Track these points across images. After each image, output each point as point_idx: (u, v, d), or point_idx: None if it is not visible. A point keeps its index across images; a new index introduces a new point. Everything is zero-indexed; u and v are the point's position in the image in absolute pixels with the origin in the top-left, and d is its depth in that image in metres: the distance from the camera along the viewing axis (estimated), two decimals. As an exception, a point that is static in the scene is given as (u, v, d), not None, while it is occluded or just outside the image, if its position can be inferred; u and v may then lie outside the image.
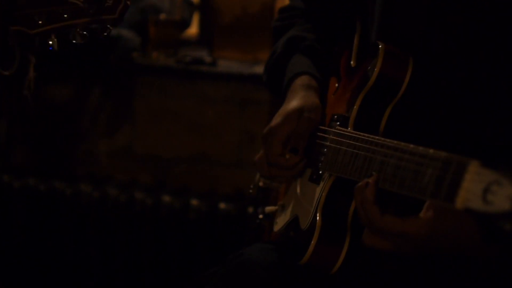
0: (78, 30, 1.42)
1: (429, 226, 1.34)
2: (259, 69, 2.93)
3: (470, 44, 1.50)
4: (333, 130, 1.62)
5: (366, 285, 1.57)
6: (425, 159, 1.26)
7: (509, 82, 1.48)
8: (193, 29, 3.53)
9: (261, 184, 1.88)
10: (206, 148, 3.22)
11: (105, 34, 1.44)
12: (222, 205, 3.06)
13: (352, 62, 1.70)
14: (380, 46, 1.56)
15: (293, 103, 1.71)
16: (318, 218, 1.55)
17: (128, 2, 1.45)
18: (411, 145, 1.32)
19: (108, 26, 1.45)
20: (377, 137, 1.42)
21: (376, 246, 1.41)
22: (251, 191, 1.92)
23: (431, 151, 1.26)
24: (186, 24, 3.44)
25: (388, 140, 1.39)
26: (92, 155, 3.34)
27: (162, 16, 3.35)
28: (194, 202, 3.08)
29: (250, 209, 2.95)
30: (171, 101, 3.23)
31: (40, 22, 1.41)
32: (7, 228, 3.22)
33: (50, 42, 1.43)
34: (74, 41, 1.42)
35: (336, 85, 1.74)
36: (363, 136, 1.47)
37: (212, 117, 3.20)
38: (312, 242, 1.53)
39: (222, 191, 3.16)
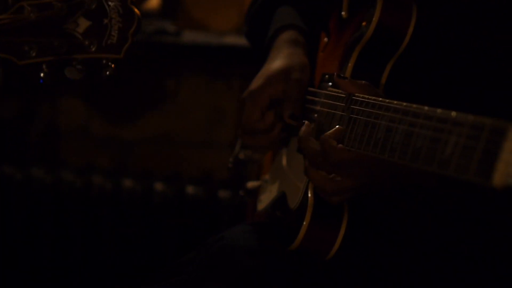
0: (75, 65, 1.33)
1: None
2: (229, 39, 2.84)
3: None
4: (325, 92, 1.48)
5: (364, 272, 1.47)
6: (446, 124, 1.07)
7: None
8: (154, 1, 3.39)
9: (241, 156, 1.79)
10: (170, 127, 3.12)
11: (108, 73, 1.34)
12: (189, 189, 2.96)
13: (343, 13, 1.58)
14: None
15: (278, 62, 1.62)
16: (309, 195, 1.43)
17: (135, 39, 1.35)
18: (426, 107, 1.13)
19: (110, 64, 1.35)
20: (380, 99, 1.26)
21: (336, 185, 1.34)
22: (229, 165, 1.81)
23: (454, 113, 1.07)
24: (147, -7, 3.38)
25: (395, 102, 1.22)
26: (44, 137, 3.21)
27: (121, -16, 3.18)
28: (159, 186, 2.97)
29: (221, 193, 2.91)
30: (131, 76, 3.11)
31: (32, 53, 1.30)
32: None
33: (42, 75, 1.32)
34: (68, 77, 1.33)
35: (326, 39, 1.64)
36: (362, 98, 1.32)
37: (177, 93, 3.09)
38: (304, 224, 1.41)
39: (189, 174, 3.06)
